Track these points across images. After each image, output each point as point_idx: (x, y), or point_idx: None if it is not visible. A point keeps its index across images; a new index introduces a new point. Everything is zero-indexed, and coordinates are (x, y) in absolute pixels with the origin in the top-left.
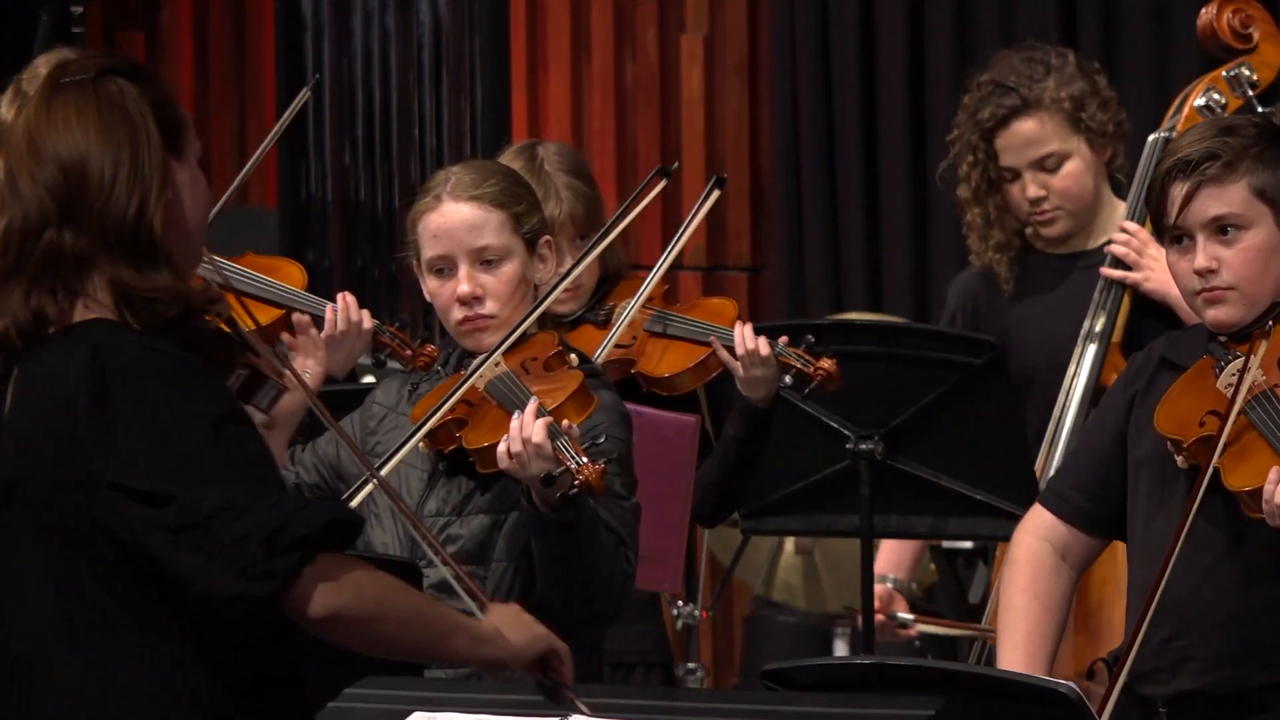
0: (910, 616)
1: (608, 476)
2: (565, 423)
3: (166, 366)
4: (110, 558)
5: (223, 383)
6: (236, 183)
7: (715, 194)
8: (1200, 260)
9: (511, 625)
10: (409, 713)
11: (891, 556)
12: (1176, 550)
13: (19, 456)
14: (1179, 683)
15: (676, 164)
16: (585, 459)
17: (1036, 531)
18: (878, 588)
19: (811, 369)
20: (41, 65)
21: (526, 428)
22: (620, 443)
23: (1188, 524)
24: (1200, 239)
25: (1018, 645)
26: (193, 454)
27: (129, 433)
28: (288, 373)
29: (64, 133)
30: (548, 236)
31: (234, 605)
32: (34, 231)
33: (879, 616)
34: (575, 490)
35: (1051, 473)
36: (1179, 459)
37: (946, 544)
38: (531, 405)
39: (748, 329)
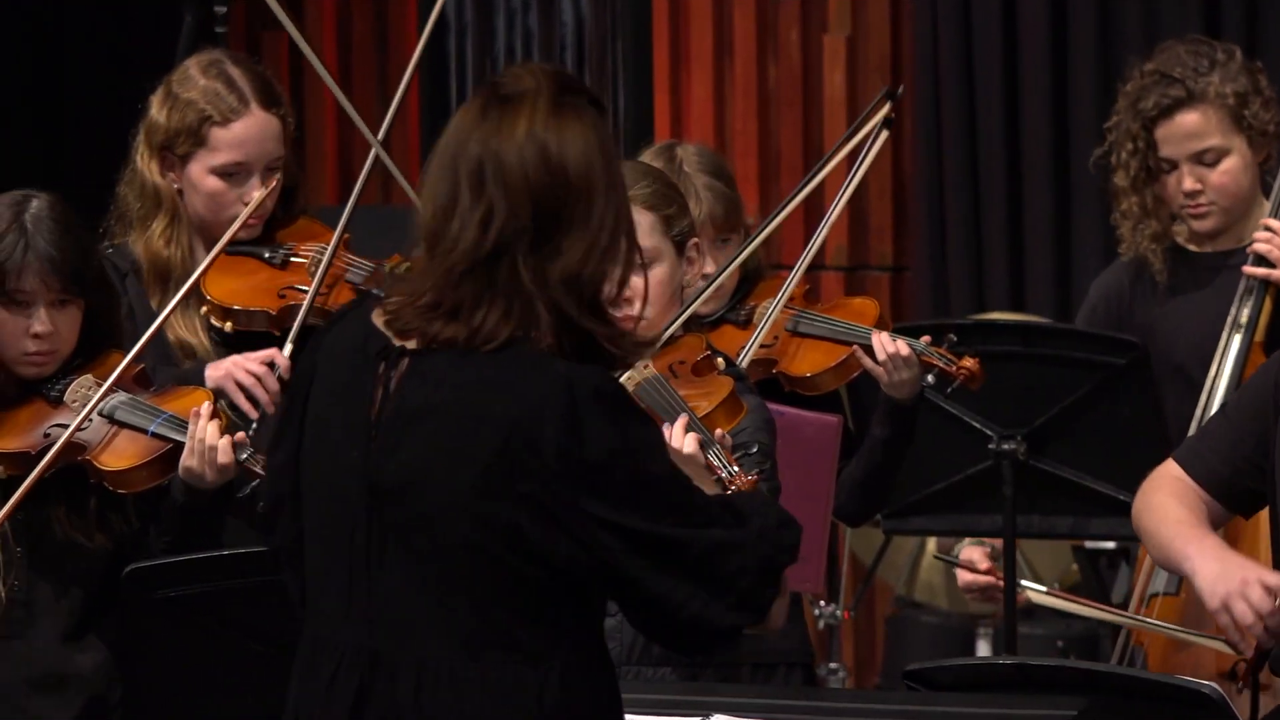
0: (1036, 586)
1: (758, 485)
2: (718, 432)
3: (626, 396)
4: (514, 577)
5: None
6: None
7: (887, 105)
8: None
9: None
10: None
11: None
12: None
13: (418, 461)
14: None
15: (901, 87)
16: (738, 469)
17: (1169, 478)
18: (975, 550)
19: (954, 368)
20: (193, 66)
21: (676, 439)
22: (766, 448)
23: None
24: None
25: (1182, 519)
26: (668, 490)
27: (609, 465)
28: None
29: (574, 149)
30: (696, 239)
31: (722, 635)
32: (506, 241)
33: (983, 579)
34: None
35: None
36: None
37: (1089, 544)
38: (682, 420)
39: (885, 335)
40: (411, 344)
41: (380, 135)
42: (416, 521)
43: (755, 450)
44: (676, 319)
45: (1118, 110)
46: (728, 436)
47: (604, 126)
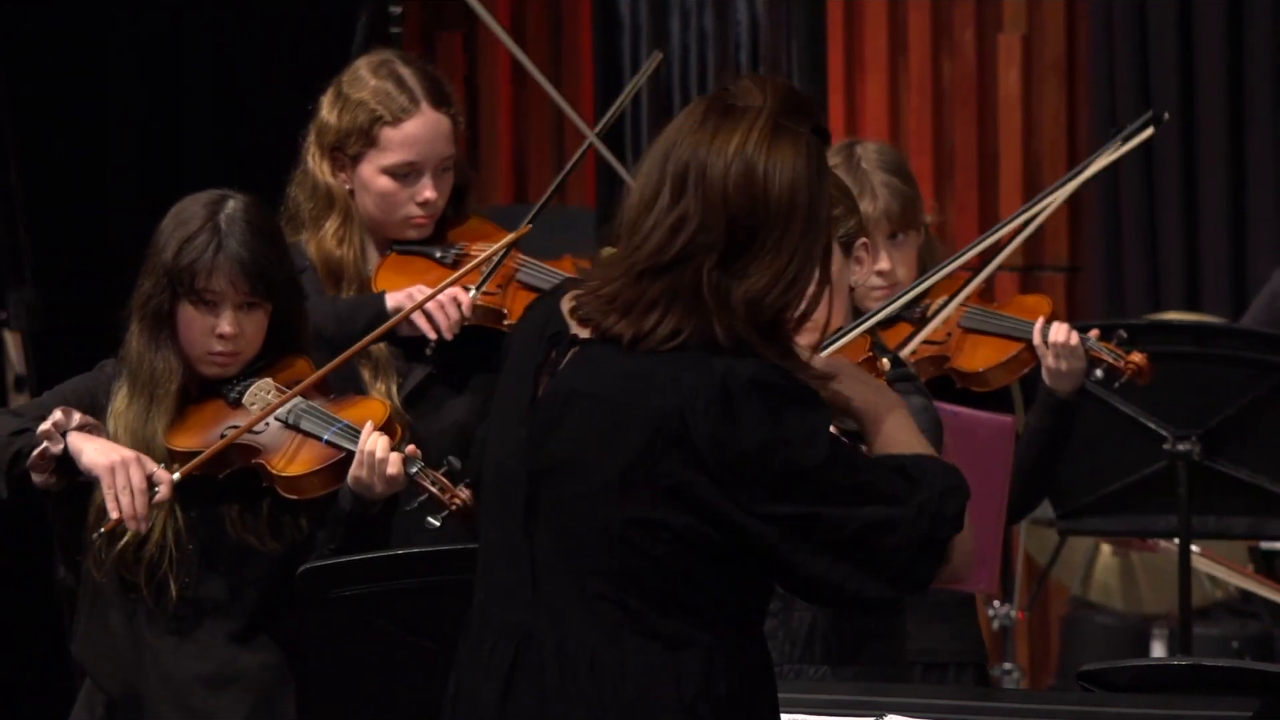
0: None
1: None
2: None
3: (787, 385)
4: (654, 566)
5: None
6: (557, 181)
7: (1149, 130)
8: None
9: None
10: None
11: None
12: None
13: (569, 445)
14: None
15: (1166, 114)
16: None
17: None
18: None
19: (1122, 362)
20: (363, 66)
21: None
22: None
23: None
24: None
25: None
26: (826, 474)
27: (762, 456)
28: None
29: (782, 175)
30: (864, 239)
31: (876, 606)
32: (692, 251)
33: None
34: None
35: None
36: None
37: (1265, 545)
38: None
39: (1057, 324)
40: (586, 333)
41: (598, 130)
42: (565, 504)
43: None
44: (865, 321)
45: None
46: None
47: (821, 157)
